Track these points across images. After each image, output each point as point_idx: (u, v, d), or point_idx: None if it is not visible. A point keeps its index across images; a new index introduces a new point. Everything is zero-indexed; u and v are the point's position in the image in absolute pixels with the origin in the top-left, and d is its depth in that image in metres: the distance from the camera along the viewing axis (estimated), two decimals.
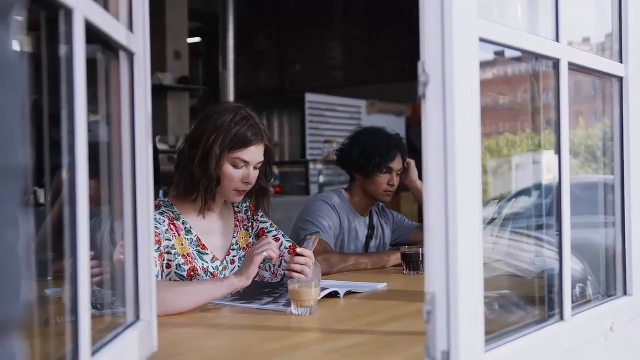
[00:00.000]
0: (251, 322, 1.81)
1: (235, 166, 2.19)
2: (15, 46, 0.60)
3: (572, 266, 1.58)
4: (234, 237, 2.35)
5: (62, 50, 1.02)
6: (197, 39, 10.23)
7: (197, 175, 2.17)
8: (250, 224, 2.41)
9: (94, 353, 1.08)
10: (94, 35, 1.11)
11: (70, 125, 1.01)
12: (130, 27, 1.36)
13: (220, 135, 2.15)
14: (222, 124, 2.16)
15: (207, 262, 2.22)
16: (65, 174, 1.02)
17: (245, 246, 2.36)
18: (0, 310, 0.55)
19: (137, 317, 1.38)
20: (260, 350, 1.55)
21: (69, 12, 1.00)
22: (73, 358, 1.00)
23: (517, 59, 1.73)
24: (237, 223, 2.38)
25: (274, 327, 1.76)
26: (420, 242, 2.96)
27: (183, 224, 2.22)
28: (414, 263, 2.65)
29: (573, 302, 1.56)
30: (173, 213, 2.21)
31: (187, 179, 2.20)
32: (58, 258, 1.22)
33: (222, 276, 2.23)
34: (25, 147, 0.59)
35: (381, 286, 2.34)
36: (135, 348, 1.30)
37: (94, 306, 1.26)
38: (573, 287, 1.61)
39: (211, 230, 2.29)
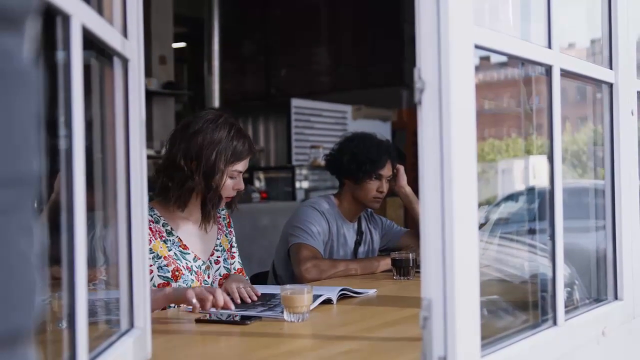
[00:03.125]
0: (244, 329, 1.80)
1: (232, 177, 2.29)
2: (29, 54, 0.59)
3: None
4: (218, 239, 2.43)
5: (59, 55, 1.01)
6: (182, 44, 10.22)
7: (200, 190, 2.25)
8: (229, 231, 2.51)
9: None
10: (88, 40, 1.11)
11: (68, 130, 1.00)
12: (125, 33, 1.35)
13: (222, 151, 2.24)
14: (220, 139, 2.24)
15: (189, 261, 2.28)
16: (62, 180, 1.01)
17: (226, 249, 2.45)
18: (15, 319, 0.55)
19: (132, 325, 1.37)
20: (253, 357, 1.55)
21: (66, 18, 0.99)
22: None
23: (502, 65, 1.74)
24: (220, 226, 2.46)
25: (267, 334, 1.76)
26: (409, 248, 2.97)
27: (163, 226, 2.27)
28: (404, 268, 2.65)
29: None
30: (152, 216, 2.25)
31: (187, 193, 2.25)
32: (48, 264, 1.21)
33: (206, 276, 2.32)
34: (39, 155, 0.59)
35: (372, 292, 2.35)
36: (130, 356, 1.29)
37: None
38: None
39: (194, 232, 2.35)
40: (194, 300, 1.92)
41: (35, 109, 0.59)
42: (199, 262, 2.31)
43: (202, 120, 2.27)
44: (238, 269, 2.47)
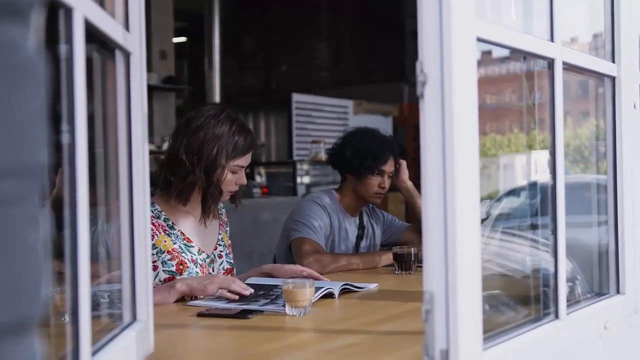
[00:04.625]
0: (246, 323, 1.80)
1: (233, 172, 2.30)
2: (35, 46, 0.59)
3: None
4: (219, 234, 2.45)
5: (62, 49, 1.01)
6: (182, 39, 10.21)
7: (201, 185, 2.27)
8: (228, 229, 2.53)
9: (93, 354, 1.07)
10: (90, 34, 1.11)
11: (71, 125, 1.00)
12: (127, 26, 1.35)
13: (223, 146, 2.24)
14: (221, 134, 2.25)
15: (194, 254, 2.30)
16: (65, 174, 1.01)
17: (227, 244, 2.48)
18: (21, 309, 0.55)
19: (134, 318, 1.37)
20: (256, 350, 1.55)
21: (68, 11, 0.99)
22: (74, 358, 0.99)
23: (504, 59, 1.74)
24: (221, 222, 2.49)
25: (269, 328, 1.76)
26: (410, 242, 2.97)
27: (165, 220, 2.27)
28: (405, 263, 2.65)
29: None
30: (153, 212, 2.25)
31: (188, 187, 2.27)
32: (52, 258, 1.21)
33: (211, 269, 2.35)
34: (45, 146, 0.59)
35: (373, 286, 2.35)
36: (132, 349, 1.29)
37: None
38: None
39: (196, 227, 2.37)
40: (219, 292, 2.06)
41: (41, 100, 0.59)
42: (204, 255, 2.33)
43: (204, 116, 2.28)
44: (227, 268, 2.46)
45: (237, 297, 2.04)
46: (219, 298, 2.06)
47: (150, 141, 7.07)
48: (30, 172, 0.56)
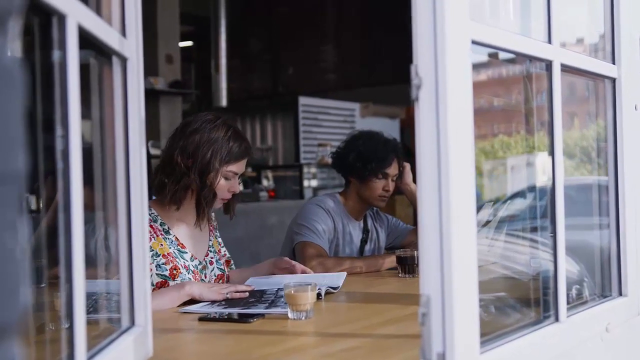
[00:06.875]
0: (246, 327, 1.80)
1: (226, 178, 2.32)
2: (13, 52, 0.60)
3: (568, 268, 1.58)
4: (210, 240, 2.47)
5: (55, 55, 1.02)
6: (188, 43, 10.22)
7: (195, 188, 2.28)
8: (217, 232, 2.55)
9: (89, 358, 1.08)
10: (86, 40, 1.11)
11: (64, 131, 1.01)
12: (123, 32, 1.35)
13: (217, 151, 2.27)
14: (216, 138, 2.28)
15: (187, 260, 2.32)
16: (59, 180, 1.02)
17: (217, 250, 2.49)
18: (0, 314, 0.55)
19: (132, 323, 1.37)
20: (256, 354, 1.55)
21: (62, 18, 1.00)
22: None
23: (510, 61, 1.73)
24: (211, 228, 2.51)
25: (270, 332, 1.76)
26: (414, 245, 2.96)
27: (161, 225, 2.31)
28: (409, 266, 2.64)
29: (569, 303, 1.56)
30: (150, 215, 2.26)
31: (182, 190, 2.28)
32: (51, 265, 1.22)
33: (203, 275, 2.37)
34: (23, 152, 0.59)
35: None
36: (130, 353, 1.30)
37: (88, 311, 1.25)
38: (569, 289, 1.62)
39: (189, 233, 2.38)
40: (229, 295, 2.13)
41: (20, 107, 0.59)
42: (196, 262, 2.35)
43: (201, 120, 2.31)
44: (218, 275, 2.47)
45: (246, 294, 2.14)
46: (212, 304, 2.07)
47: (157, 146, 7.07)
48: (8, 178, 0.57)
